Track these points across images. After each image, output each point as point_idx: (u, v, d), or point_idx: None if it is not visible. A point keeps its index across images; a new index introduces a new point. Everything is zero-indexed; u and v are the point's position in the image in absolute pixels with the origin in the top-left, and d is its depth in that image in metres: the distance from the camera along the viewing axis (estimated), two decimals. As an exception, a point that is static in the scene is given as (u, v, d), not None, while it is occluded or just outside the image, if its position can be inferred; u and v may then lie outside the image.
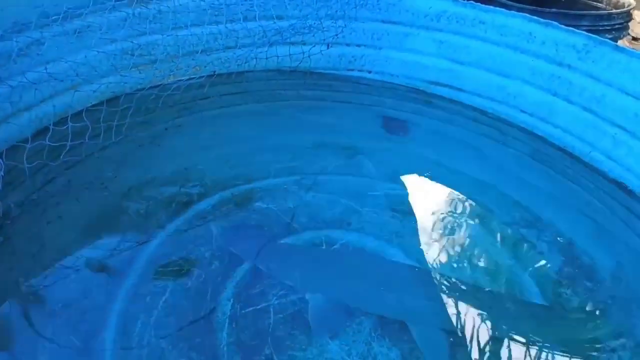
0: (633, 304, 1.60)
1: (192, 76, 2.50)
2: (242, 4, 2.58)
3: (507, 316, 1.55)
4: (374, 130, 2.44)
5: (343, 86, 2.79)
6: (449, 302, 1.55)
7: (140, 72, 2.42)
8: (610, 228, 1.92)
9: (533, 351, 1.44)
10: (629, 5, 3.77)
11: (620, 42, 3.99)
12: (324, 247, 1.71)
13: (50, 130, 1.86)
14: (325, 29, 2.68)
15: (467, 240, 1.80)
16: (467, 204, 1.98)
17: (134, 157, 2.05)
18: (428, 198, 1.99)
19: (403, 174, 2.11)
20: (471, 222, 1.88)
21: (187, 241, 1.67)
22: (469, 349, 1.43)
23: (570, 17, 3.42)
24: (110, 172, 1.93)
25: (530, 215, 1.92)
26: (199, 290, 1.51)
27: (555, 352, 1.44)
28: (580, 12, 3.64)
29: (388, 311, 1.49)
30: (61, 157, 1.86)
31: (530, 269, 1.69)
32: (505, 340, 1.47)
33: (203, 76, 2.49)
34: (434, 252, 1.73)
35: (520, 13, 2.38)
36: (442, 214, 1.91)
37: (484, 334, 1.47)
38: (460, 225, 1.86)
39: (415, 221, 1.85)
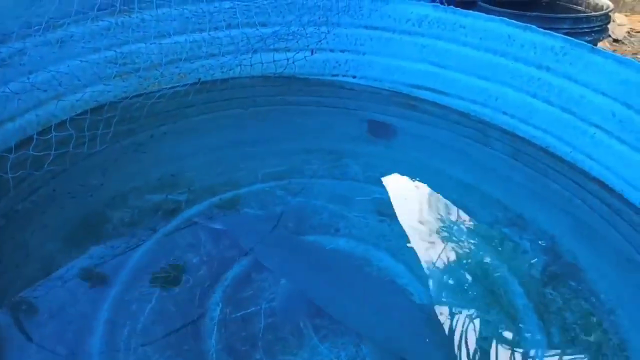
0: (616, 303, 1.62)
1: (176, 84, 2.51)
2: (225, 12, 2.60)
3: (492, 317, 1.56)
4: (360, 134, 2.47)
5: (328, 91, 2.81)
6: (435, 305, 1.56)
7: (124, 81, 2.41)
8: (592, 225, 1.96)
9: (518, 354, 1.45)
10: (607, 8, 3.85)
11: (600, 44, 4.09)
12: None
13: (34, 140, 1.85)
14: (308, 36, 2.70)
15: (452, 241, 1.82)
16: (451, 205, 2.00)
17: (120, 165, 2.04)
18: (414, 200, 2.01)
19: (389, 177, 2.13)
20: (456, 222, 1.91)
21: (174, 247, 1.67)
22: (455, 350, 1.44)
23: (551, 21, 3.50)
24: (96, 180, 1.93)
25: (513, 214, 1.95)
26: (186, 296, 1.50)
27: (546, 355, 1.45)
28: (560, 15, 3.72)
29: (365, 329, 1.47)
30: (45, 166, 1.85)
31: (514, 268, 1.71)
32: (493, 342, 1.47)
33: (187, 84, 2.49)
34: (420, 254, 1.74)
35: (499, 17, 2.42)
36: (427, 216, 1.93)
37: (471, 336, 1.47)
38: (445, 227, 1.88)
39: (402, 224, 1.87)
